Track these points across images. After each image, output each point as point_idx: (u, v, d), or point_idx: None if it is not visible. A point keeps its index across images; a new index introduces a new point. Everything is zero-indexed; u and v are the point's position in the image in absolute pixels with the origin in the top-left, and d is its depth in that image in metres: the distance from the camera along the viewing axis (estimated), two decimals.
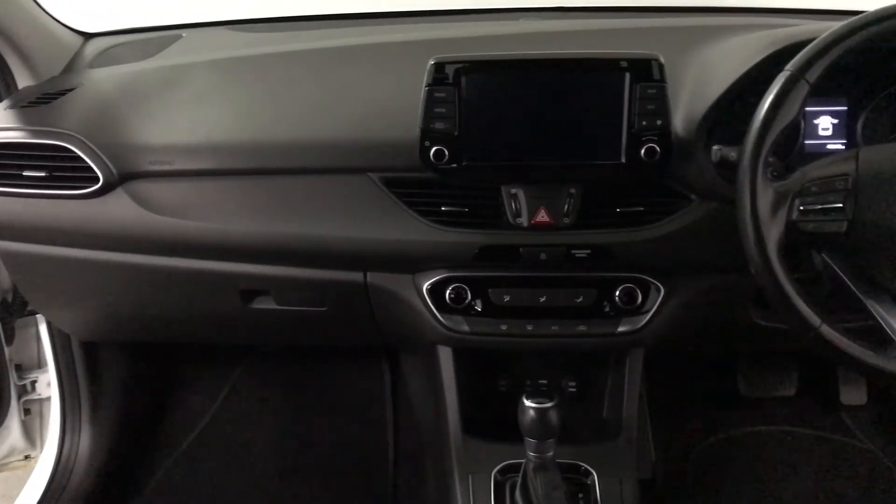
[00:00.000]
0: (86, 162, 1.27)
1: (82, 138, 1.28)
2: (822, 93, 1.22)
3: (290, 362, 1.96)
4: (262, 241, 1.24)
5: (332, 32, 1.50)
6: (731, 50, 1.21)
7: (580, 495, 1.25)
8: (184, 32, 1.58)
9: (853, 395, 1.83)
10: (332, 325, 1.44)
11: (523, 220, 1.19)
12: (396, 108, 1.22)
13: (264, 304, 1.37)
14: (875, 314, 1.00)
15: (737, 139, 1.04)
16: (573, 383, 1.43)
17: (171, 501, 1.73)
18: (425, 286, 1.26)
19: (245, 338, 1.63)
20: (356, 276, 1.29)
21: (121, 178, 1.27)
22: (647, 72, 1.11)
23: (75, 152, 1.27)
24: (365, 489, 1.76)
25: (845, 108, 1.25)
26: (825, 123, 1.26)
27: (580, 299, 1.25)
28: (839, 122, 1.25)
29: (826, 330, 0.97)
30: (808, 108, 1.24)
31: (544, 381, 1.42)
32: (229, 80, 1.36)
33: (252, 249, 1.26)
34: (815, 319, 0.97)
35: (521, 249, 1.21)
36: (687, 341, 1.43)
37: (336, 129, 1.24)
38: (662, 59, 1.11)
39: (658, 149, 1.12)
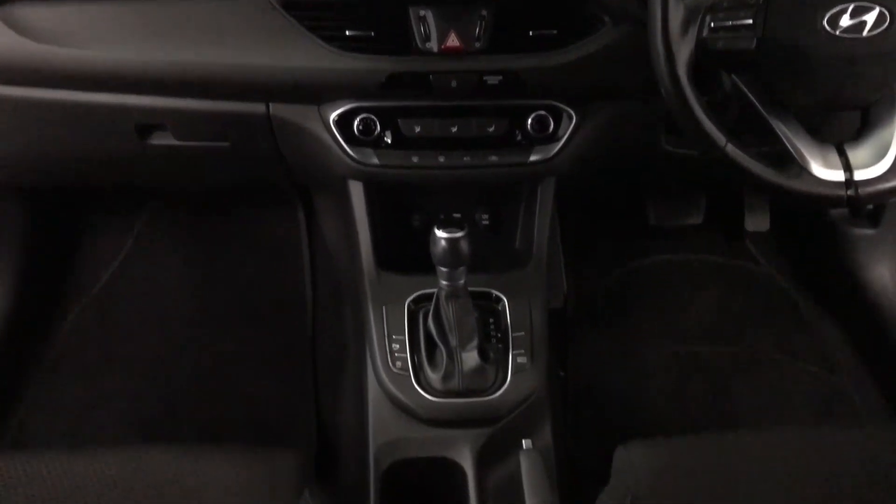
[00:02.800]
0: None
1: None
2: None
3: (201, 206, 1.90)
4: (153, 69, 1.16)
5: None
6: None
7: (491, 321, 1.27)
8: None
9: (757, 221, 1.89)
10: (236, 161, 1.39)
11: (433, 45, 1.13)
12: None
13: (163, 139, 1.30)
14: (780, 134, 1.02)
15: None
16: (486, 216, 1.43)
17: (83, 347, 1.71)
18: (332, 117, 1.21)
19: (147, 178, 1.56)
20: (258, 108, 1.23)
21: None
22: None
23: None
24: (283, 330, 1.76)
25: None
26: None
27: (492, 128, 1.23)
28: None
29: (731, 149, 0.98)
30: None
31: (458, 215, 1.41)
32: None
33: (144, 79, 1.18)
34: (720, 138, 0.98)
35: (430, 77, 1.16)
36: (598, 171, 1.44)
37: None
38: None
39: None
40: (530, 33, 1.15)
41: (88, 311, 1.76)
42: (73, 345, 1.72)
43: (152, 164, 1.41)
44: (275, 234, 1.87)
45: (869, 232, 1.71)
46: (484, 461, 1.19)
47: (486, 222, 1.43)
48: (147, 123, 1.28)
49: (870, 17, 0.93)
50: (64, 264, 1.82)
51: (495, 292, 1.30)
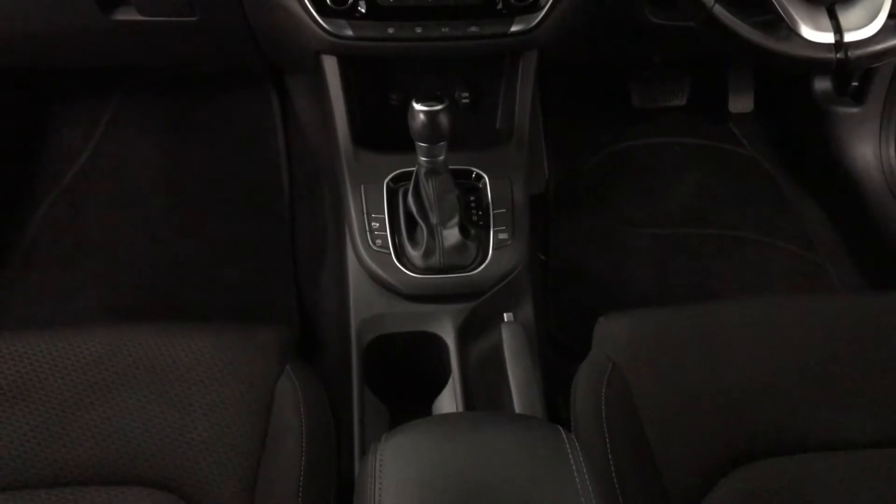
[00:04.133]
0: None
1: None
2: None
3: (172, 91, 1.84)
4: None
5: None
6: None
7: (472, 198, 1.25)
8: None
9: (741, 103, 1.87)
10: (205, 38, 1.33)
11: None
12: None
13: (127, 14, 1.24)
14: None
15: None
16: (466, 94, 1.39)
17: (58, 237, 1.68)
18: None
19: (114, 59, 1.50)
20: None
21: None
22: None
23: None
24: (261, 214, 1.74)
25: None
26: None
27: None
28: None
29: (718, 10, 0.95)
30: None
31: (437, 93, 1.37)
32: None
33: None
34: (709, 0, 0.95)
35: None
36: (582, 46, 1.39)
37: None
38: None
39: None
40: None
41: (61, 200, 1.72)
42: (47, 234, 1.68)
43: (118, 42, 1.35)
44: (248, 119, 1.82)
45: (853, 110, 1.69)
46: (466, 334, 1.19)
47: (466, 100, 1.39)
48: None
49: None
50: (33, 154, 1.77)
51: (476, 170, 1.27)
